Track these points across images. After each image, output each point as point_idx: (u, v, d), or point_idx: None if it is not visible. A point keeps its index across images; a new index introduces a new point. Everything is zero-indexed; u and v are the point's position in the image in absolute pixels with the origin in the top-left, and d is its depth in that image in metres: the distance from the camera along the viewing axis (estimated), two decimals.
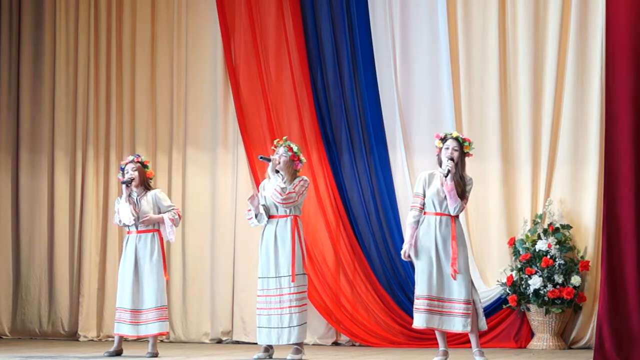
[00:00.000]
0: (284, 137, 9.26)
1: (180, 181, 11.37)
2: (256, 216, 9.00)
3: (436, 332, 8.45)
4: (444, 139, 8.49)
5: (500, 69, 10.53)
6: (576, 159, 10.30)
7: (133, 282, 9.31)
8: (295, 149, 9.05)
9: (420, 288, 8.36)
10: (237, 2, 11.27)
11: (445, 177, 8.33)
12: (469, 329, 8.30)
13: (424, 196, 8.44)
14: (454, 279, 8.29)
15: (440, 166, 8.44)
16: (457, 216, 8.43)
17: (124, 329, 9.31)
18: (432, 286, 8.33)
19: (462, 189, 8.39)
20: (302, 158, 9.12)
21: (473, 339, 8.40)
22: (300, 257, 8.92)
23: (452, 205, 8.36)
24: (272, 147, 9.19)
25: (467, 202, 8.49)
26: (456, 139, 8.45)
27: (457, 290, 8.30)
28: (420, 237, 8.43)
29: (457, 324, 8.28)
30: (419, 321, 8.33)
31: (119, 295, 9.39)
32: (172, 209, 9.45)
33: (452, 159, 8.36)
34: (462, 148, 8.44)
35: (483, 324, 8.40)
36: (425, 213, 8.45)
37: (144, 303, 9.30)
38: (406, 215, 10.68)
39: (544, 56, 10.41)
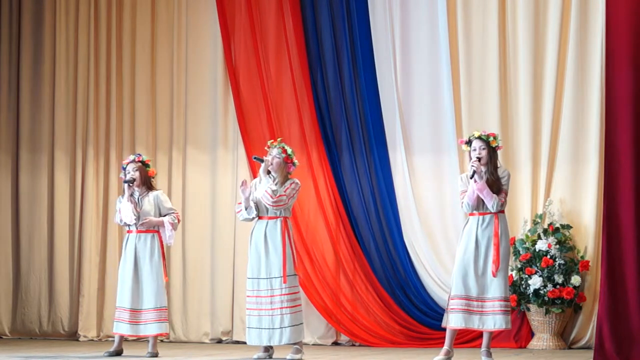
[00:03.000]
0: (278, 139, 9.26)
1: (180, 181, 11.37)
2: (246, 209, 8.96)
3: (447, 331, 8.43)
4: (469, 142, 8.46)
5: (500, 69, 10.53)
6: (576, 159, 10.30)
7: (133, 281, 9.32)
8: (289, 151, 9.03)
9: (457, 288, 8.33)
10: (237, 2, 11.27)
11: (472, 177, 8.31)
12: (510, 326, 8.33)
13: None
14: (494, 276, 8.28)
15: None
16: (501, 212, 8.39)
17: (122, 329, 9.32)
18: (469, 286, 8.30)
19: (498, 185, 8.37)
20: (295, 161, 9.10)
21: (486, 338, 8.40)
22: (291, 258, 8.91)
23: (488, 204, 8.33)
24: (266, 148, 9.18)
25: (506, 195, 8.43)
26: (479, 138, 8.42)
27: (497, 288, 8.28)
28: (462, 237, 8.43)
29: (499, 322, 8.27)
30: (457, 321, 8.30)
31: (118, 295, 9.40)
32: (173, 213, 9.46)
33: (479, 159, 8.34)
34: (489, 144, 8.42)
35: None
36: (469, 215, 8.45)
37: (143, 303, 9.30)
38: (406, 215, 10.74)
39: (544, 56, 10.41)
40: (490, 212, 8.37)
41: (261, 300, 8.88)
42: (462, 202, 8.44)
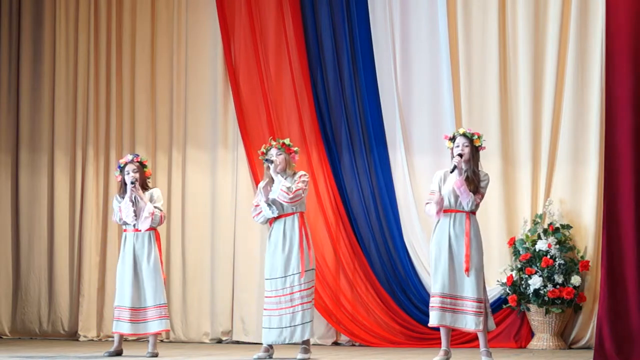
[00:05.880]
0: (270, 139, 9.27)
1: (180, 181, 11.37)
2: (269, 206, 8.92)
3: (441, 330, 8.44)
4: (452, 139, 8.46)
5: (500, 69, 10.53)
6: (576, 159, 10.30)
7: (133, 280, 9.33)
8: (286, 142, 9.02)
9: (435, 286, 8.36)
10: (237, 2, 11.28)
11: (451, 172, 8.31)
12: (481, 327, 8.28)
13: (440, 193, 8.40)
14: (467, 275, 8.28)
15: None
16: (473, 213, 8.40)
17: (123, 328, 9.33)
18: (445, 284, 8.31)
19: (475, 185, 8.37)
20: (296, 148, 9.09)
21: (481, 339, 8.38)
22: (307, 253, 8.91)
23: (464, 201, 8.32)
24: (260, 157, 9.10)
25: (482, 198, 8.43)
26: (464, 135, 8.42)
27: (470, 288, 8.28)
28: (435, 234, 8.43)
29: (470, 322, 8.26)
30: (432, 319, 8.32)
31: (118, 294, 9.40)
32: (159, 209, 9.42)
33: (460, 155, 8.34)
34: (473, 143, 8.41)
35: (492, 324, 8.40)
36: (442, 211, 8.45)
37: (144, 301, 9.32)
38: (406, 215, 10.75)
39: (544, 56, 10.41)
40: (463, 211, 8.37)
41: (281, 299, 8.87)
42: (426, 204, 8.43)
